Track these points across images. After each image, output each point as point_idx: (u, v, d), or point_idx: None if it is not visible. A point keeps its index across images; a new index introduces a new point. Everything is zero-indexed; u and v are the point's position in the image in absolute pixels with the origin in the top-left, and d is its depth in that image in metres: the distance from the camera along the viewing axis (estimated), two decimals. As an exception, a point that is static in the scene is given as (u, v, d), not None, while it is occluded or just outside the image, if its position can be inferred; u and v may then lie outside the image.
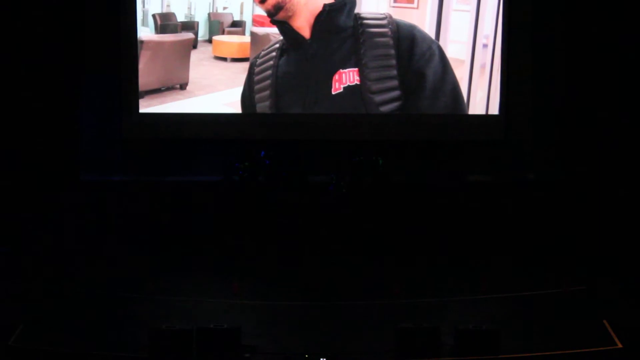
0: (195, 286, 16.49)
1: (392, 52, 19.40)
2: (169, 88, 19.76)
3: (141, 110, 19.85)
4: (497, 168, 19.81)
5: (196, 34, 19.86)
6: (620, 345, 13.78)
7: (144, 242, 18.43)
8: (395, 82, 19.48)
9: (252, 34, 19.70)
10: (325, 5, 19.24)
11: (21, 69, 19.10)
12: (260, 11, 19.51)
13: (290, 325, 14.73)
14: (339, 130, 19.77)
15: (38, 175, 19.01)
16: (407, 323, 13.79)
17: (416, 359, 13.37)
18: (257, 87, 19.59)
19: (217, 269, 17.44)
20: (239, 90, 19.79)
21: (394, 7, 19.53)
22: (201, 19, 19.87)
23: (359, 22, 19.36)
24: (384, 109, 19.45)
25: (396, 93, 19.52)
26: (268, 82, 19.54)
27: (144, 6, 19.72)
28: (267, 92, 19.61)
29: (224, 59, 19.88)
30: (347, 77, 19.45)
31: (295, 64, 19.52)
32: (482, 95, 19.73)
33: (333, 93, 19.50)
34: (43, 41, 19.11)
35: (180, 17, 19.82)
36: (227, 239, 18.50)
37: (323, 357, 13.24)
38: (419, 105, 19.60)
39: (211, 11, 19.94)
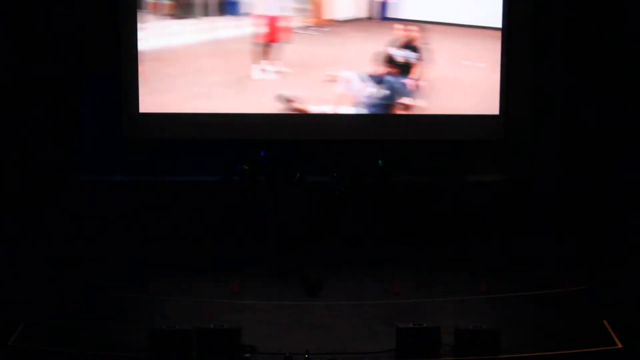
0: (195, 286, 16.50)
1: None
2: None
3: (141, 111, 19.87)
4: (497, 168, 19.81)
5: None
6: (620, 345, 13.79)
7: (145, 242, 18.43)
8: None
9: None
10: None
11: (22, 70, 19.12)
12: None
13: (290, 325, 14.74)
14: (339, 130, 19.78)
15: (38, 175, 19.02)
16: (407, 323, 13.80)
17: (416, 359, 13.38)
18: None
19: (217, 269, 17.45)
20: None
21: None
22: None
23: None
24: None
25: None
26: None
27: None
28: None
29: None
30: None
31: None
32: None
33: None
34: (44, 42, 19.12)
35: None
36: (227, 239, 18.52)
37: (323, 357, 13.26)
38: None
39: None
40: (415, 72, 19.57)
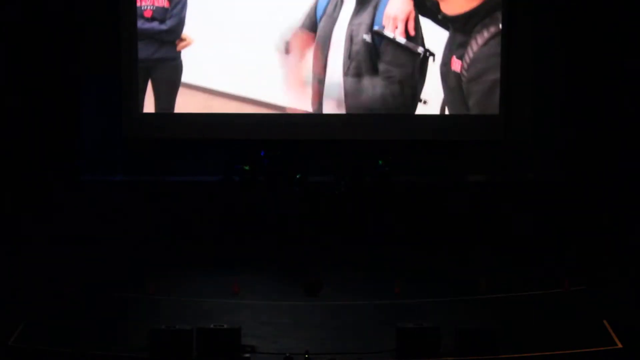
0: (195, 286, 16.50)
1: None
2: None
3: (140, 110, 19.88)
4: (497, 168, 19.81)
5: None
6: (620, 345, 13.78)
7: (145, 242, 18.43)
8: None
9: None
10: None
11: (22, 70, 19.12)
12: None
13: (290, 325, 14.74)
14: (339, 130, 19.78)
15: (38, 175, 19.02)
16: (407, 323, 13.80)
17: (416, 359, 13.38)
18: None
19: (217, 269, 17.45)
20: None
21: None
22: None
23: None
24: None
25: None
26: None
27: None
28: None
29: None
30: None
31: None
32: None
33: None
34: (43, 42, 19.12)
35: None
36: (227, 238, 18.51)
37: (323, 357, 13.26)
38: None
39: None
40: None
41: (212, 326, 13.62)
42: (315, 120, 19.85)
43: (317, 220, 18.63)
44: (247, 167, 18.94)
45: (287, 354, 13.21)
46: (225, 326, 13.63)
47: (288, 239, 18.30)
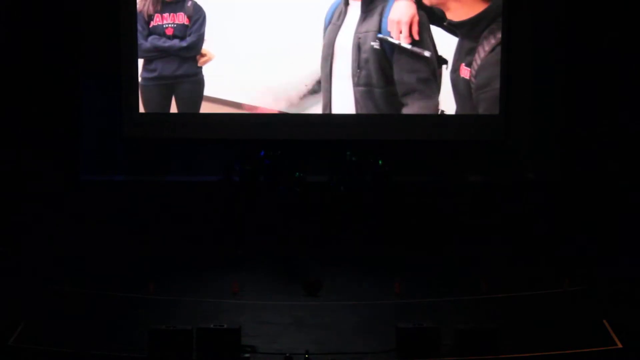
0: (195, 286, 16.50)
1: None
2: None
3: (141, 111, 19.86)
4: (497, 168, 19.80)
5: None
6: (620, 345, 13.79)
7: (144, 242, 18.43)
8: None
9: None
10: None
11: (21, 69, 19.11)
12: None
13: (290, 325, 14.74)
14: (339, 130, 19.77)
15: (38, 175, 19.01)
16: (407, 323, 13.81)
17: (416, 359, 13.39)
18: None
19: (217, 269, 17.45)
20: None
21: None
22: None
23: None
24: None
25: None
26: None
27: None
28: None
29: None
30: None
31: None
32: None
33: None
34: (43, 41, 19.12)
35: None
36: (227, 238, 18.51)
37: (323, 357, 13.25)
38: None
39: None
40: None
41: (212, 326, 13.63)
42: (315, 120, 19.83)
43: (317, 220, 18.62)
44: (247, 167, 18.94)
45: (287, 354, 13.22)
46: (225, 326, 13.64)
47: (288, 239, 18.30)
